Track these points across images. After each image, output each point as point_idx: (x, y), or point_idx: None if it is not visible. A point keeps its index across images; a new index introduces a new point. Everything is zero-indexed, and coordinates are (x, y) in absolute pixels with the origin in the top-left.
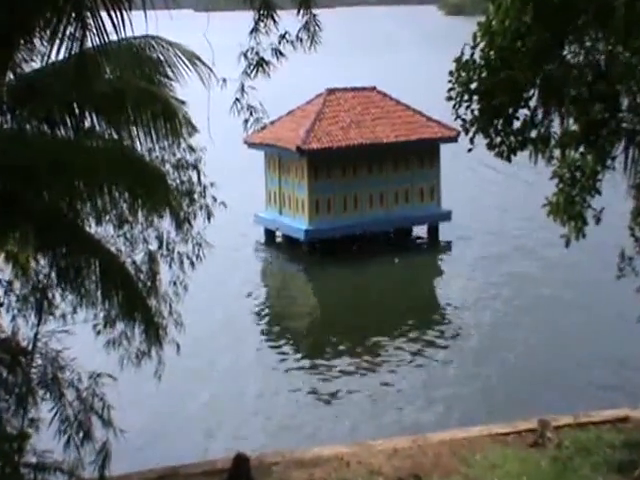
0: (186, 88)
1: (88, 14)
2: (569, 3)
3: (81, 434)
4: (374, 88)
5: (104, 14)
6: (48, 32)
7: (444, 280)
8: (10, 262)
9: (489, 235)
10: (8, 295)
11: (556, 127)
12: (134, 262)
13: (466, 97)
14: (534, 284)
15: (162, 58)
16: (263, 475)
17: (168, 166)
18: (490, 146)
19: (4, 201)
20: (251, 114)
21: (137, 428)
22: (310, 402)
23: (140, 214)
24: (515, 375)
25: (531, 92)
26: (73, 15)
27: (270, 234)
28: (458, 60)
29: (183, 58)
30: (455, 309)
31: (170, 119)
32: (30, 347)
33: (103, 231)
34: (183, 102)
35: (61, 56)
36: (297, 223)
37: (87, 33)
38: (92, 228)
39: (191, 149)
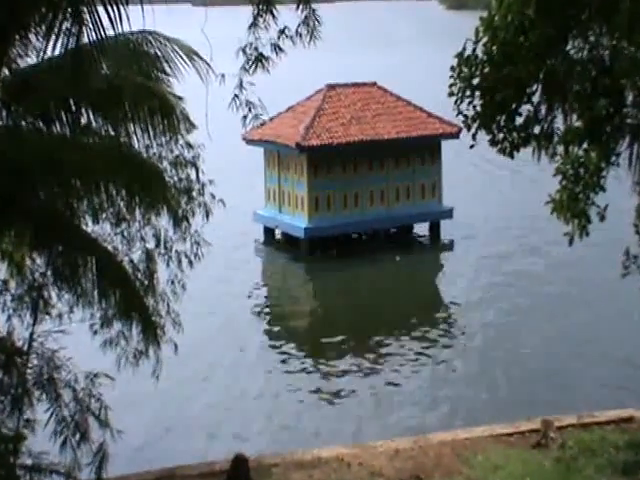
0: (184, 84)
1: (84, 9)
2: None
3: (78, 435)
4: (375, 84)
5: (101, 9)
6: (44, 27)
7: (446, 278)
8: (5, 261)
9: (492, 232)
10: (3, 294)
11: (559, 123)
12: (131, 261)
13: (468, 93)
14: (538, 282)
15: (159, 53)
16: (262, 477)
17: (166, 163)
18: (492, 142)
19: None
20: (250, 110)
21: (137, 429)
22: (313, 402)
23: (137, 212)
24: (520, 374)
25: (534, 87)
26: (69, 10)
27: (269, 232)
28: (460, 55)
29: (181, 53)
30: (458, 307)
31: (168, 115)
32: (26, 347)
33: (100, 229)
34: (181, 98)
35: (57, 52)
36: (297, 221)
37: (83, 28)
38: (89, 226)
39: (189, 146)
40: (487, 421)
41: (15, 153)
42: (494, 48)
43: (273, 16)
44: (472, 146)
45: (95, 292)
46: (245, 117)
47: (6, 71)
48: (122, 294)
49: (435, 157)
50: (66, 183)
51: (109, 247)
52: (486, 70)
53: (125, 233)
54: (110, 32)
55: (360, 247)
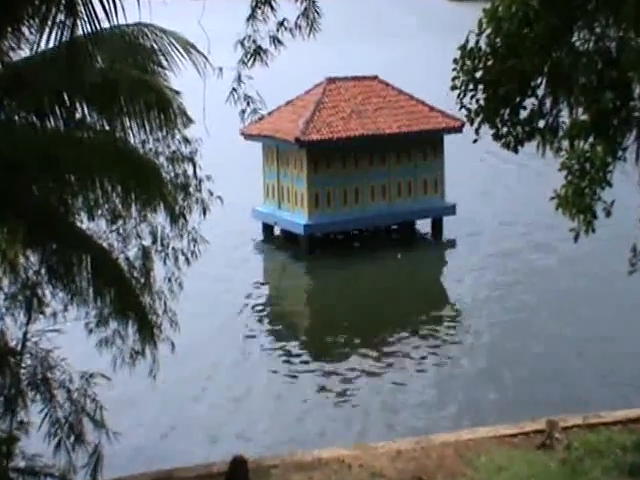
0: (181, 78)
1: (79, 1)
2: None
3: (72, 437)
4: (376, 77)
5: (95, 1)
6: (37, 19)
7: (449, 275)
8: None
9: (496, 228)
10: None
11: (565, 117)
12: (127, 258)
13: (471, 86)
14: (545, 279)
15: (156, 46)
16: (261, 478)
17: (162, 159)
18: (496, 137)
19: None
20: (248, 104)
21: (138, 430)
22: (317, 402)
23: (133, 209)
24: (527, 373)
25: (539, 80)
26: (63, 2)
27: (268, 229)
28: (463, 48)
29: (177, 46)
30: (462, 305)
31: (164, 110)
32: (19, 347)
33: (95, 226)
34: (178, 92)
35: (51, 44)
36: (296, 217)
37: (78, 20)
38: (84, 223)
39: (186, 141)
40: (493, 421)
41: (8, 148)
42: (498, 40)
43: (272, 8)
44: (475, 140)
45: (90, 290)
46: (243, 111)
47: None
48: (118, 292)
49: (437, 152)
50: (60, 179)
51: (104, 244)
52: (490, 63)
53: (121, 230)
54: (105, 24)
55: (361, 244)
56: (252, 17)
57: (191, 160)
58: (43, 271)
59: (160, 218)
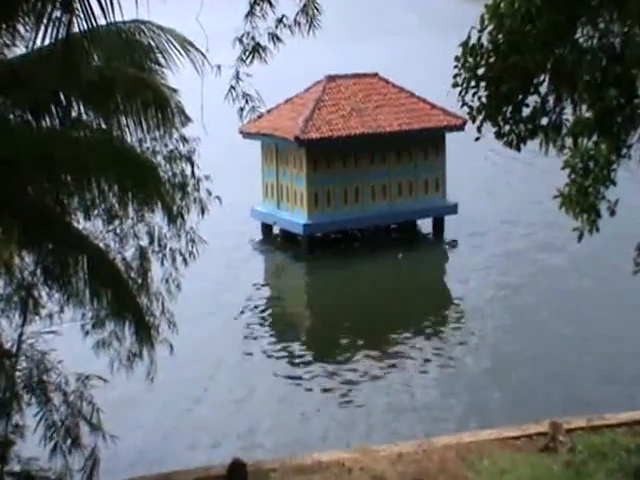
0: (178, 75)
1: None
2: None
3: (69, 440)
4: (376, 74)
5: None
6: (33, 16)
7: (452, 276)
8: None
9: (499, 228)
10: None
11: (568, 114)
12: (124, 259)
13: (473, 83)
14: (549, 279)
15: (153, 44)
16: None
17: (160, 158)
18: (498, 135)
19: None
20: (247, 102)
21: (138, 432)
22: (320, 404)
23: (130, 208)
24: (532, 375)
25: (542, 77)
26: None
27: (267, 229)
28: (465, 44)
29: (175, 44)
30: (465, 306)
31: (162, 108)
32: (14, 349)
33: (91, 226)
34: (175, 90)
35: (46, 42)
36: (296, 217)
37: (74, 17)
38: (80, 223)
39: (184, 140)
40: (499, 424)
41: (3, 147)
42: (500, 37)
43: (271, 4)
44: (477, 138)
45: (86, 291)
46: (242, 109)
47: None
48: (114, 293)
49: (439, 150)
50: (56, 178)
51: (101, 245)
52: (492, 60)
53: (118, 230)
54: (101, 21)
55: (361, 244)
56: (251, 14)
57: (189, 159)
58: (39, 272)
59: (157, 218)
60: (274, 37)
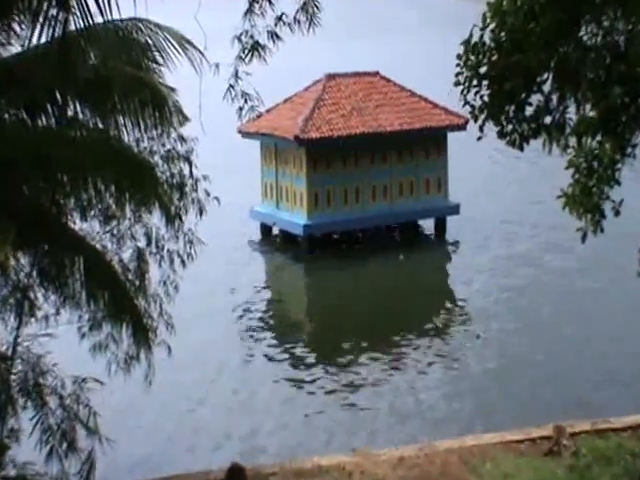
0: (176, 74)
1: None
2: None
3: (65, 444)
4: (377, 73)
5: None
6: (29, 14)
7: (454, 277)
8: None
9: (502, 228)
10: None
11: (572, 113)
12: (121, 260)
13: (475, 82)
14: (553, 280)
15: (150, 42)
16: None
17: (157, 158)
18: (501, 134)
19: None
20: (246, 101)
21: (139, 433)
22: (322, 407)
23: (127, 209)
24: (536, 377)
25: (545, 76)
26: None
27: (267, 229)
28: (467, 42)
29: (173, 42)
30: (468, 306)
31: (159, 107)
32: (10, 352)
33: (88, 227)
34: (173, 89)
35: (43, 40)
36: (295, 217)
37: (70, 15)
38: (76, 224)
39: (182, 139)
40: (504, 427)
41: None
42: (502, 35)
43: (270, 2)
44: (479, 138)
45: (83, 293)
46: (241, 109)
47: None
48: (111, 295)
49: (441, 150)
50: (52, 178)
51: (98, 246)
52: (494, 58)
53: (115, 231)
54: (98, 19)
55: (362, 245)
56: (250, 11)
57: (187, 159)
58: (34, 273)
59: (155, 219)
60: (273, 35)
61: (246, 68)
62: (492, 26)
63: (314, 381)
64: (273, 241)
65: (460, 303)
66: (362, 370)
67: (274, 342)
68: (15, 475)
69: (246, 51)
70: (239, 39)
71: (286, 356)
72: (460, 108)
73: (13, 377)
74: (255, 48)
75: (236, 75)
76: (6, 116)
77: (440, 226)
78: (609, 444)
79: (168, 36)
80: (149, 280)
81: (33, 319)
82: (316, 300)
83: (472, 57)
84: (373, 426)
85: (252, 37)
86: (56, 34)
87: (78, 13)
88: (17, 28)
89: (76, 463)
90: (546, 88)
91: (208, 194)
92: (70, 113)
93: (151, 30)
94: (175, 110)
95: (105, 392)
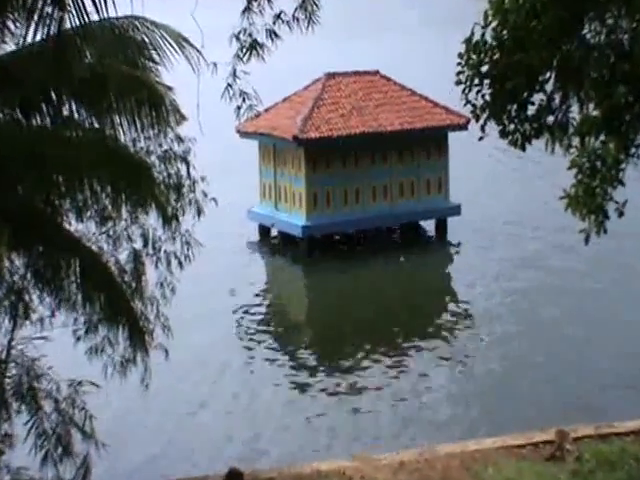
0: (173, 73)
1: None
2: None
3: (60, 449)
4: (377, 72)
5: None
6: (24, 12)
7: (455, 278)
8: None
9: (503, 229)
10: None
11: (575, 113)
12: (117, 262)
13: (477, 81)
14: (556, 282)
15: (147, 40)
16: None
17: (154, 158)
18: (503, 134)
19: None
20: (244, 101)
21: (139, 435)
22: (325, 410)
23: (124, 210)
24: (540, 381)
25: (548, 75)
26: None
27: (265, 231)
28: (468, 41)
29: (170, 40)
30: (470, 308)
31: (156, 106)
32: (4, 355)
33: (84, 228)
34: (170, 88)
35: (38, 38)
36: (294, 218)
37: (66, 13)
38: (72, 225)
39: (179, 139)
40: (507, 431)
41: None
42: (504, 33)
43: (268, 0)
44: (481, 138)
45: (79, 295)
46: (239, 108)
47: None
48: (107, 297)
49: (442, 150)
50: (47, 179)
51: (93, 247)
52: (496, 57)
53: (111, 232)
54: (94, 17)
55: (362, 246)
56: (248, 9)
57: (184, 159)
58: (29, 275)
59: (152, 220)
60: (272, 34)
61: (244, 67)
62: (494, 24)
63: (315, 384)
64: (272, 242)
65: (462, 305)
66: (363, 372)
67: (274, 344)
68: None
69: (244, 50)
70: (237, 37)
71: (287, 358)
72: (461, 107)
73: (7, 381)
74: (253, 47)
75: (234, 74)
76: (0, 115)
77: (441, 227)
78: (612, 448)
79: (165, 34)
80: (146, 282)
81: (28, 322)
82: (316, 302)
83: (473, 56)
84: (375, 429)
85: (250, 35)
86: (51, 32)
87: (73, 11)
88: (12, 26)
89: (71, 468)
90: (549, 87)
91: (205, 195)
92: (65, 112)
93: (148, 28)
94: (172, 109)
95: (104, 396)
